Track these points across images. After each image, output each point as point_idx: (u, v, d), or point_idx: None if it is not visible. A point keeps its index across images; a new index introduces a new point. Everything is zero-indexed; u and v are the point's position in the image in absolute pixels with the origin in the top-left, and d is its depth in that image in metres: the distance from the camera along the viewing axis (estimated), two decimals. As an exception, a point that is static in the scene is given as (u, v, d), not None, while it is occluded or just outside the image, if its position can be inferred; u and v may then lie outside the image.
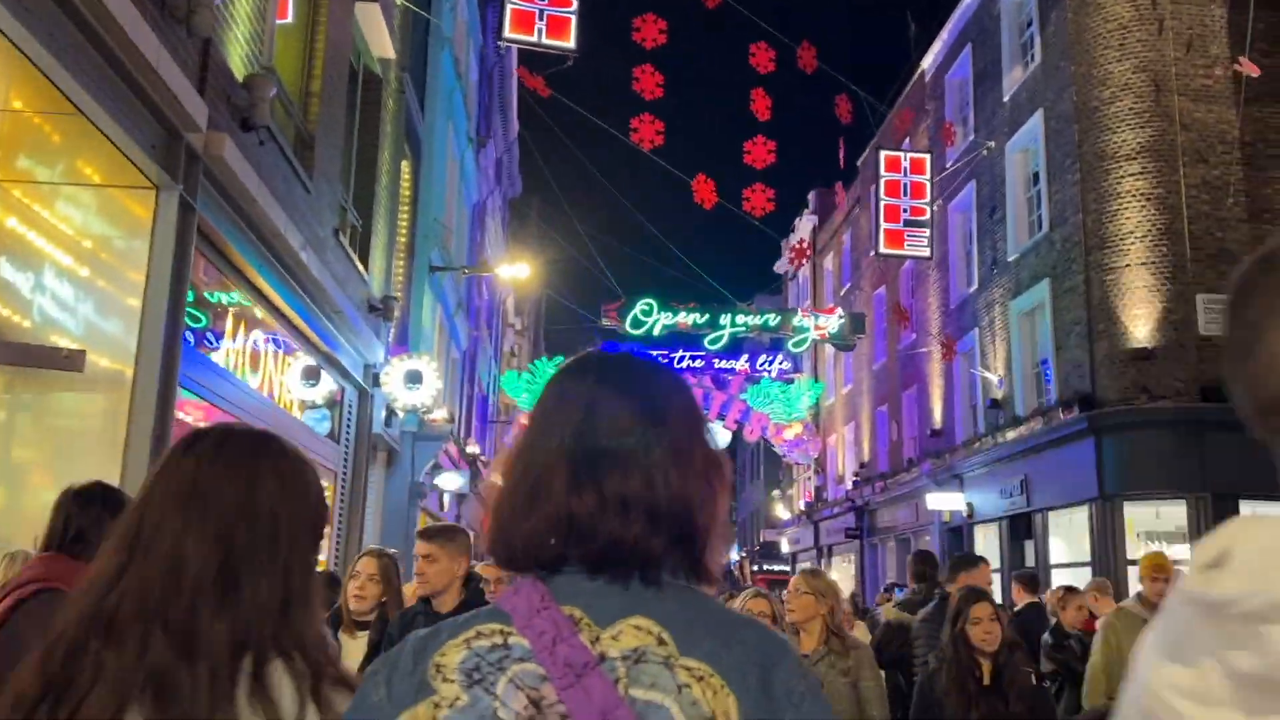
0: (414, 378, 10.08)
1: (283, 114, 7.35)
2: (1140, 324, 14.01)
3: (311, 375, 9.14)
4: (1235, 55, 13.97)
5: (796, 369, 23.91)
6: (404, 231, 12.35)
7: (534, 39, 11.62)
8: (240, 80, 6.01)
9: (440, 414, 13.59)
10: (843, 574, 28.39)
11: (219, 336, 6.67)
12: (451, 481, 13.67)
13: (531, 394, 25.52)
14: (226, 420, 7.30)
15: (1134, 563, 14.18)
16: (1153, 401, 13.70)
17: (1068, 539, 15.63)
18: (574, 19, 11.69)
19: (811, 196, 32.01)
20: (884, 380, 24.35)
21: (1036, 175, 16.70)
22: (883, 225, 16.03)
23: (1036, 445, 15.61)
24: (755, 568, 44.80)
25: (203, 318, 6.42)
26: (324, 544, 9.01)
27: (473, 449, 18.34)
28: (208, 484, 1.39)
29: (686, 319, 18.81)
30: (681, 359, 23.52)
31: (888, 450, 24.13)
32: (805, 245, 13.65)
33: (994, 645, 3.83)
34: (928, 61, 21.54)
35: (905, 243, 16.11)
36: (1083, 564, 14.95)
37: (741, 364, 23.44)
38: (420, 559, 3.92)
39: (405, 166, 12.15)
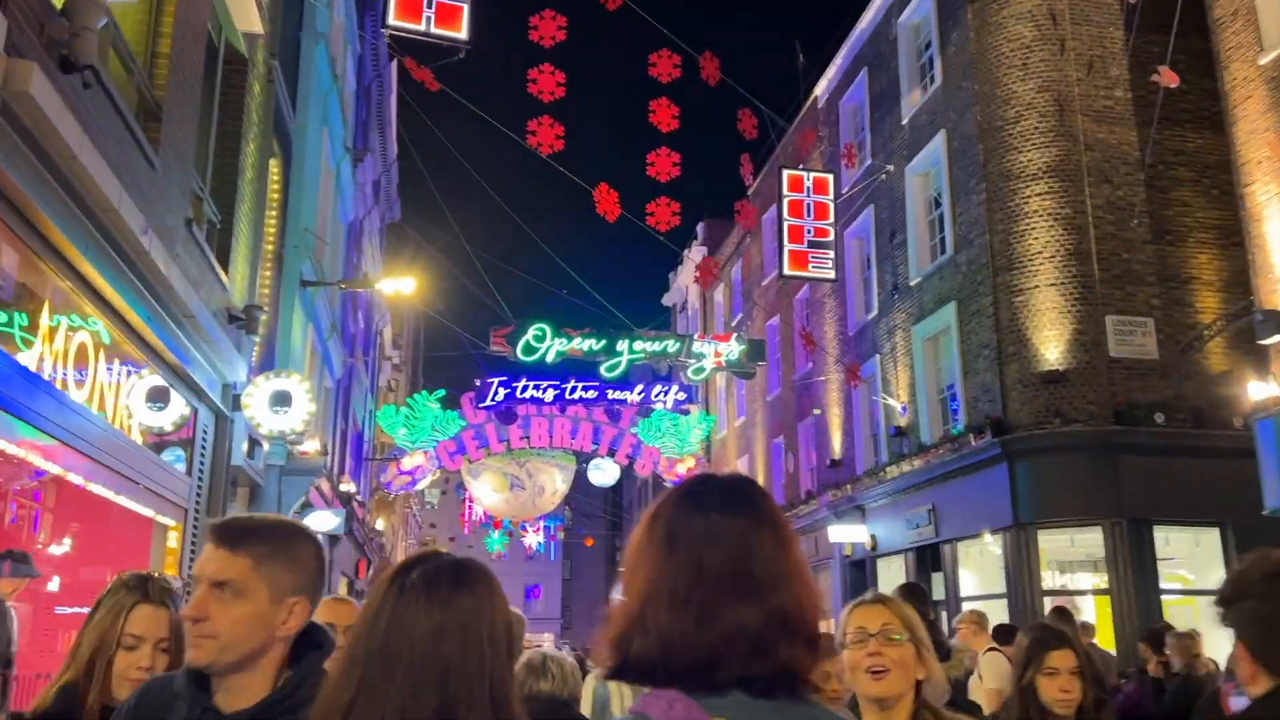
0: (282, 399, 8.72)
1: (120, 70, 6.06)
2: (1051, 346, 13.69)
3: (159, 397, 7.72)
4: (1136, 76, 13.94)
5: (690, 400, 23.14)
6: (271, 238, 10.98)
7: (422, 28, 10.53)
8: (58, 5, 4.75)
9: (312, 446, 12.16)
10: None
11: (30, 335, 5.30)
12: (324, 521, 12.20)
13: (411, 430, 24.01)
14: (76, 458, 5.92)
15: (1050, 593, 13.80)
16: (1065, 425, 13.35)
17: (979, 569, 15.14)
18: (466, 8, 10.66)
19: (700, 227, 31.56)
20: (779, 411, 23.79)
21: (938, 198, 16.41)
22: (787, 246, 15.43)
23: (945, 473, 15.13)
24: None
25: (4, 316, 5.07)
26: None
27: (347, 486, 16.80)
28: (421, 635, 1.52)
29: (582, 345, 17.78)
30: (574, 389, 22.42)
31: (784, 483, 23.52)
32: (714, 262, 12.90)
33: (1070, 708, 2.91)
34: (821, 88, 21.29)
35: (810, 264, 15.55)
36: (996, 595, 14.45)
37: (636, 395, 22.51)
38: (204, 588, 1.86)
39: (274, 166, 10.82)
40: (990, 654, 6.09)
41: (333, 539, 15.94)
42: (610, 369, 18.03)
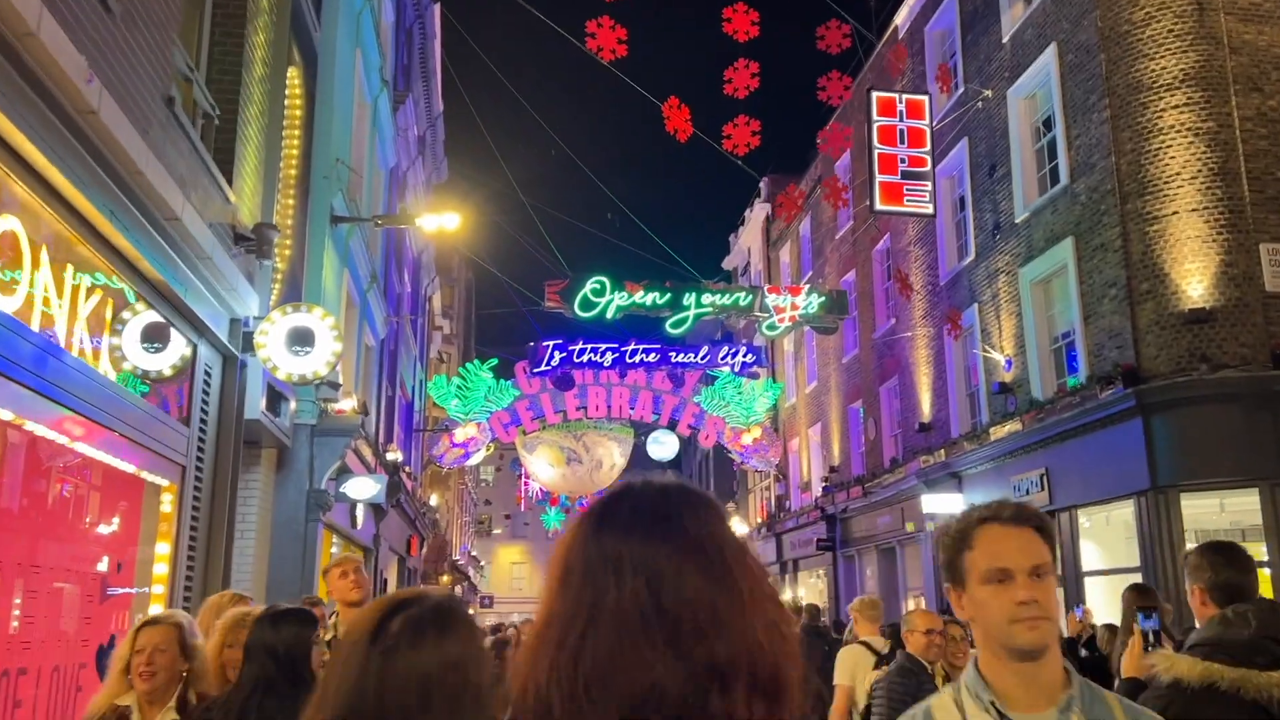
0: (302, 338, 7.23)
1: None
2: (1194, 281, 11.78)
3: (152, 332, 6.28)
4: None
5: (759, 362, 21.43)
6: (294, 161, 9.51)
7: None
8: None
9: (348, 404, 10.73)
10: (811, 591, 25.93)
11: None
12: (364, 489, 10.78)
13: (463, 400, 22.68)
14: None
15: (1195, 566, 11.96)
16: (1214, 371, 11.46)
17: (1105, 540, 13.33)
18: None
19: (764, 184, 29.69)
20: (856, 374, 22.00)
21: (1048, 122, 14.49)
22: (878, 178, 13.64)
23: (1062, 432, 13.28)
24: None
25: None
26: (169, 572, 6.02)
27: (394, 455, 15.43)
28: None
29: (644, 299, 16.16)
30: (634, 352, 20.85)
31: (863, 451, 21.76)
32: (798, 192, 11.28)
33: None
34: (901, 16, 19.33)
35: (905, 198, 13.74)
36: (1127, 570, 12.63)
37: (700, 357, 20.86)
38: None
39: (294, 76, 9.34)
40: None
41: (376, 510, 14.58)
42: (676, 325, 16.39)
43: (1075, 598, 13.15)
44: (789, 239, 27.28)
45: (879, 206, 13.68)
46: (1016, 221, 14.83)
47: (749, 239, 31.43)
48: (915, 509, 18.14)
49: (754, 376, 22.63)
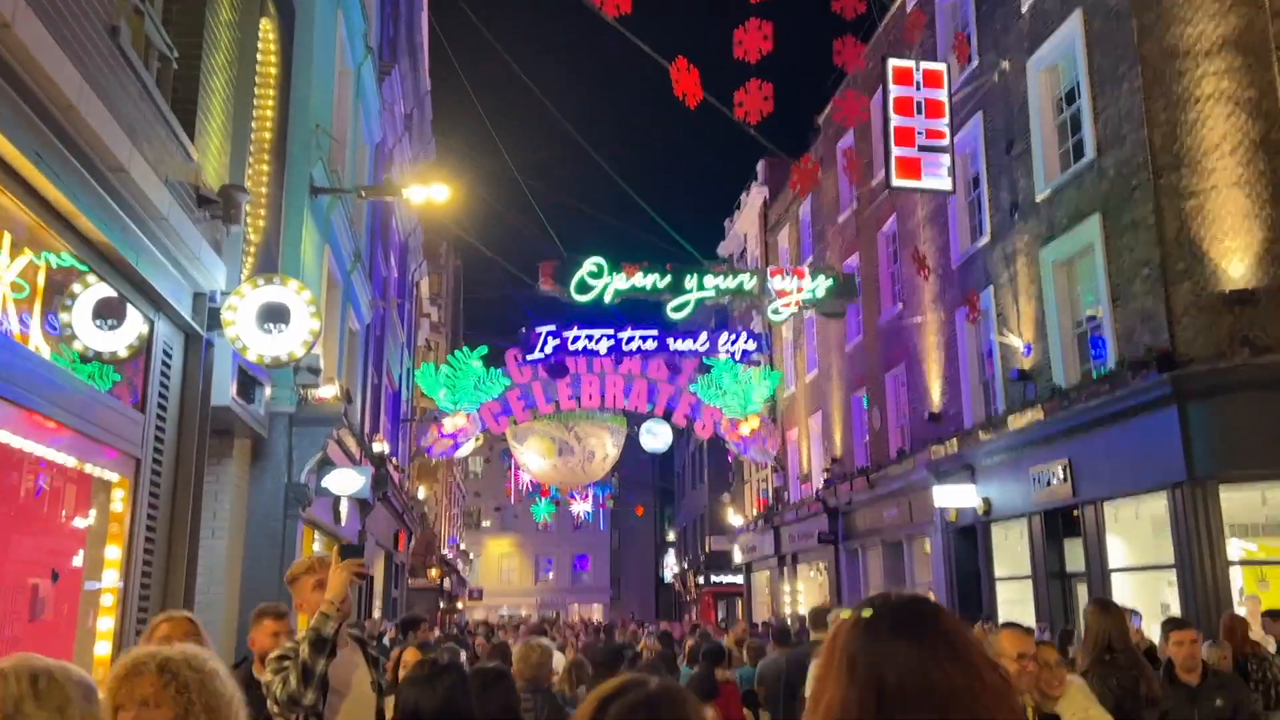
0: (275, 314, 6.40)
1: None
2: (1234, 259, 11.06)
3: (105, 310, 5.47)
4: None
5: (761, 349, 20.67)
6: (269, 124, 8.66)
7: None
8: None
9: (329, 390, 9.91)
10: (811, 586, 25.25)
11: None
12: (347, 482, 9.95)
13: (452, 390, 21.86)
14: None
15: (1235, 564, 11.27)
16: (1257, 355, 10.74)
17: (1133, 536, 12.62)
18: None
19: (761, 166, 28.92)
20: (860, 362, 21.26)
21: (1072, 93, 13.73)
22: (894, 151, 12.84)
23: (1088, 421, 12.56)
24: (701, 580, 41.47)
25: None
26: (120, 580, 5.20)
27: (380, 447, 14.61)
28: None
29: (644, 282, 15.36)
30: (630, 339, 20.06)
31: (866, 442, 21.04)
32: (813, 164, 10.51)
33: None
34: (910, -12, 18.52)
35: (923, 172, 12.96)
36: (1160, 566, 11.96)
37: (700, 344, 20.09)
38: None
39: (267, 28, 8.49)
40: None
41: (362, 505, 13.77)
42: (677, 309, 15.61)
43: (1099, 593, 12.44)
44: (787, 223, 26.51)
45: (895, 182, 12.90)
46: (1037, 200, 14.08)
47: (745, 224, 30.64)
48: (925, 502, 17.43)
49: (755, 364, 21.89)
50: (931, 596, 18.35)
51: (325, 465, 9.96)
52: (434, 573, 34.76)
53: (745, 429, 22.22)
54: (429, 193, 10.05)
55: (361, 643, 4.01)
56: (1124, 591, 12.32)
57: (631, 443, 30.41)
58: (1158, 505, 11.86)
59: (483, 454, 51.64)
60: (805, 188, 11.23)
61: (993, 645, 4.19)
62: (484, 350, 25.13)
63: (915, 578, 18.49)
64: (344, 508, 11.68)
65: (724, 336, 20.30)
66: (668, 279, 15.37)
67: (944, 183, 13.13)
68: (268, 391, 8.67)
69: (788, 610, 25.27)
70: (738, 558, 31.04)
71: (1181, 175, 11.46)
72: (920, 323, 17.98)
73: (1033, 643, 4.07)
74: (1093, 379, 12.64)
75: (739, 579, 32.44)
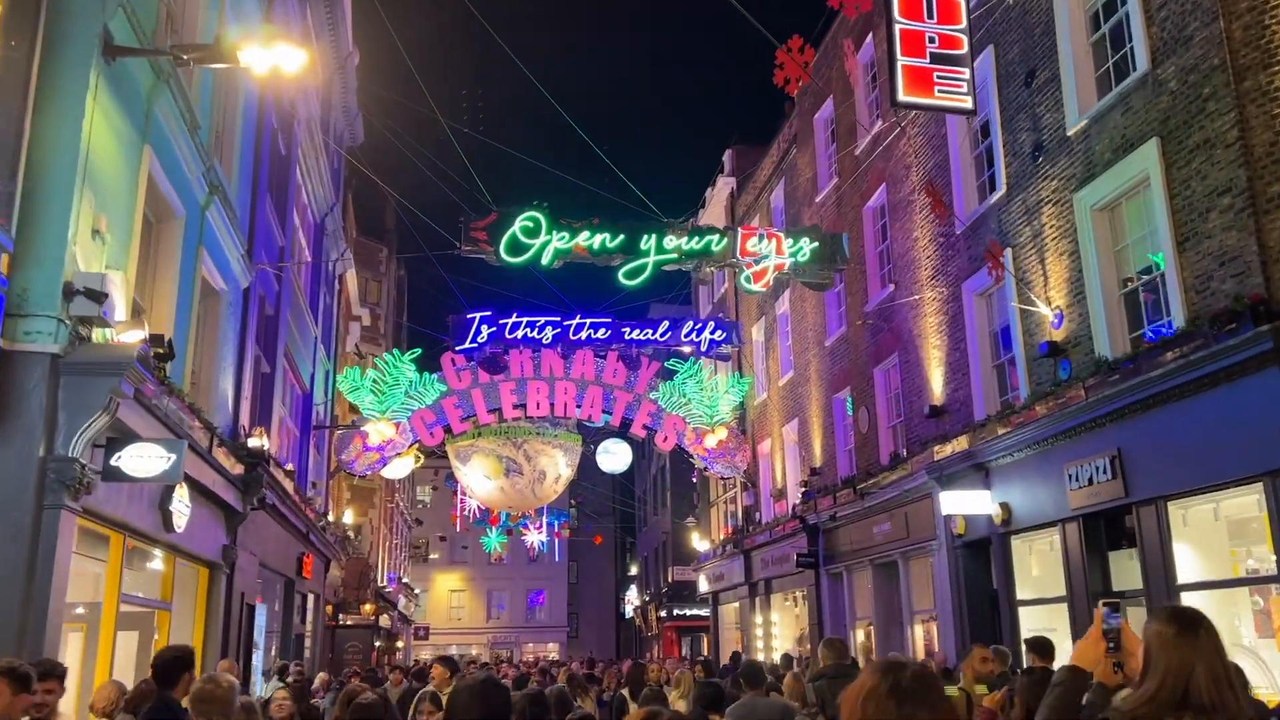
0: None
1: None
2: (1350, 176, 8.51)
3: None
4: None
5: (729, 340, 17.93)
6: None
7: None
8: None
9: (135, 335, 6.98)
10: (787, 617, 22.40)
11: None
12: (146, 462, 6.90)
13: (380, 397, 18.97)
14: None
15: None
16: (1387, 299, 8.17)
17: (1209, 542, 9.95)
18: None
19: (727, 157, 26.41)
20: (843, 357, 18.59)
21: (1109, 6, 11.25)
22: (899, 60, 10.22)
23: (1145, 398, 9.93)
24: (663, 613, 38.38)
25: None
26: None
27: (258, 441, 11.62)
28: None
29: (591, 241, 12.57)
30: (579, 327, 17.27)
31: (851, 448, 18.33)
32: (805, 52, 8.05)
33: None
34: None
35: (935, 86, 10.36)
36: (1257, 579, 9.29)
37: (660, 333, 17.34)
38: None
39: None
40: None
41: (227, 512, 10.76)
42: (630, 274, 12.80)
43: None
44: (757, 213, 23.93)
45: (901, 97, 10.30)
46: (1069, 134, 11.53)
47: (711, 218, 28.02)
48: (925, 513, 14.72)
49: (724, 358, 19.18)
50: (934, 629, 15.62)
51: (122, 439, 7.00)
52: (368, 608, 31.44)
53: (711, 440, 19.56)
54: (275, 58, 7.25)
55: None
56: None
57: (590, 464, 27.57)
58: (1247, 501, 9.22)
59: (427, 480, 48.32)
60: (796, 79, 8.59)
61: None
62: (417, 353, 22.18)
63: (914, 605, 15.71)
64: (182, 507, 8.69)
65: (688, 326, 17.57)
66: (620, 238, 12.60)
67: (963, 100, 10.53)
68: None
69: (760, 645, 22.35)
70: (703, 587, 28.09)
71: (1274, 74, 8.94)
72: (917, 303, 15.36)
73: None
74: (1150, 345, 10.01)
75: (705, 611, 29.48)
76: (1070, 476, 11.26)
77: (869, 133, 17.17)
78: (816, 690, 6.44)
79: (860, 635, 17.75)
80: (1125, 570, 11.05)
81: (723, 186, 26.08)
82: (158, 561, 9.24)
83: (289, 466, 14.56)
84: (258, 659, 14.54)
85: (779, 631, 22.21)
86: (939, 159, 14.72)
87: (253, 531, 12.46)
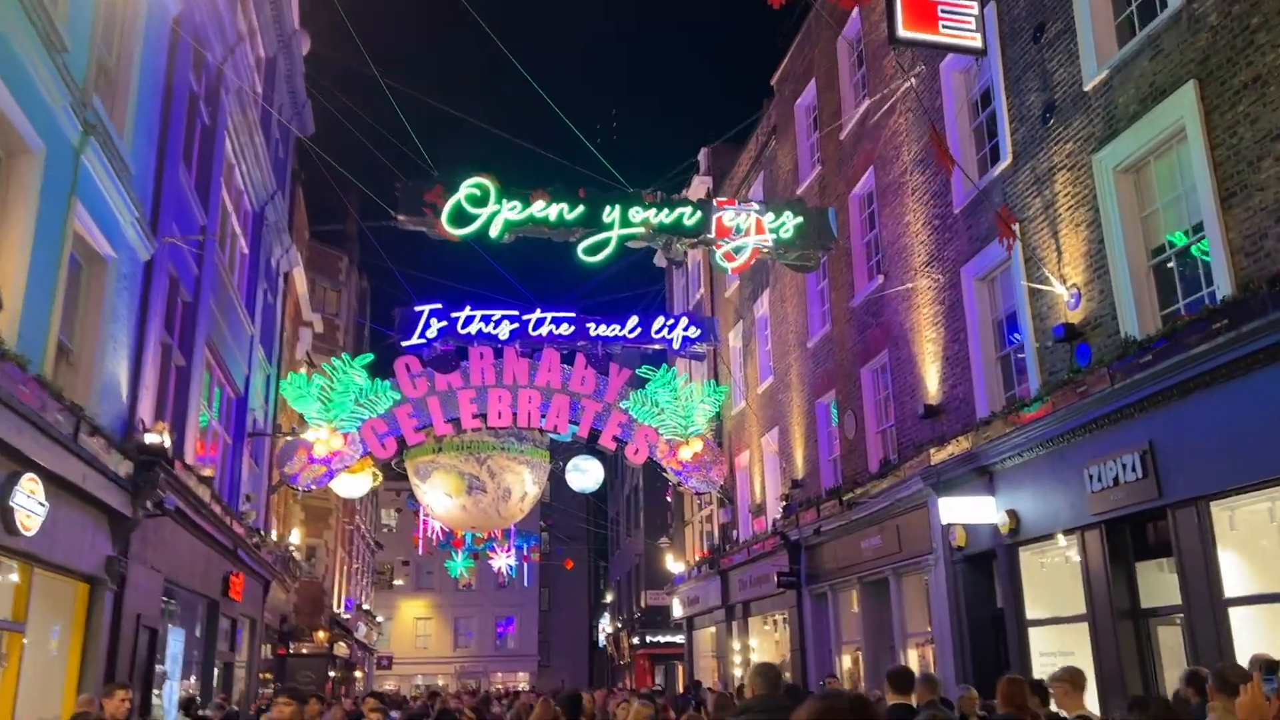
0: None
1: None
2: None
3: None
4: None
5: (705, 338, 16.47)
6: None
7: None
8: None
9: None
10: (767, 641, 20.83)
11: None
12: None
13: (327, 405, 17.38)
14: None
15: None
16: None
17: (1258, 551, 8.51)
18: None
19: (703, 156, 25.11)
20: (827, 358, 17.17)
21: (1131, -59, 9.97)
22: (900, -9, 8.84)
23: (1182, 382, 8.54)
24: (636, 640, 36.60)
25: None
26: None
27: (156, 437, 10.01)
28: None
29: (546, 213, 11.08)
30: (539, 322, 15.76)
31: (836, 457, 16.87)
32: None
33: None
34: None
35: (940, 21, 9.00)
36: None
37: (629, 329, 15.85)
38: None
39: None
40: None
41: (112, 516, 9.13)
42: (591, 250, 11.31)
43: (1209, 640, 8.30)
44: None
45: (901, 33, 8.90)
46: (1086, 89, 10.19)
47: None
48: (920, 525, 13.27)
49: (699, 357, 17.71)
50: (930, 654, 14.11)
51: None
52: (322, 635, 29.56)
53: (686, 453, 18.01)
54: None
55: None
56: (1249, 635, 8.20)
57: (562, 485, 25.96)
58: (1312, 499, 7.82)
59: (390, 502, 46.45)
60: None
61: None
62: (368, 358, 20.58)
63: (907, 627, 14.19)
64: (27, 503, 7.07)
65: (659, 321, 16.12)
66: (579, 210, 11.12)
67: (972, 38, 9.17)
68: None
69: (738, 673, 20.74)
70: (677, 612, 26.45)
71: (1336, -4, 7.63)
72: (910, 294, 13.97)
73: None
74: (1190, 319, 8.61)
75: (680, 638, 27.83)
76: (1090, 477, 9.82)
77: (856, 111, 15.84)
78: None
79: (847, 661, 16.22)
80: (1156, 583, 9.61)
81: (699, 185, 24.74)
82: (5, 573, 7.60)
83: (206, 472, 12.91)
84: (170, 690, 12.84)
85: (758, 656, 20.61)
86: (941, 123, 13.37)
87: (156, 544, 10.81)
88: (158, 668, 11.96)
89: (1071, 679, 5.94)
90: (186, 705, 10.86)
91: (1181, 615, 8.97)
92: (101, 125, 8.52)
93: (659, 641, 31.80)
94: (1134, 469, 9.22)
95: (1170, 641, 9.55)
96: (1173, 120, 9.00)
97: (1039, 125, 11.05)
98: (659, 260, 30.04)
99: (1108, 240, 9.87)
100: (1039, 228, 11.01)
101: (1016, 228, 11.07)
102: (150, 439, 9.96)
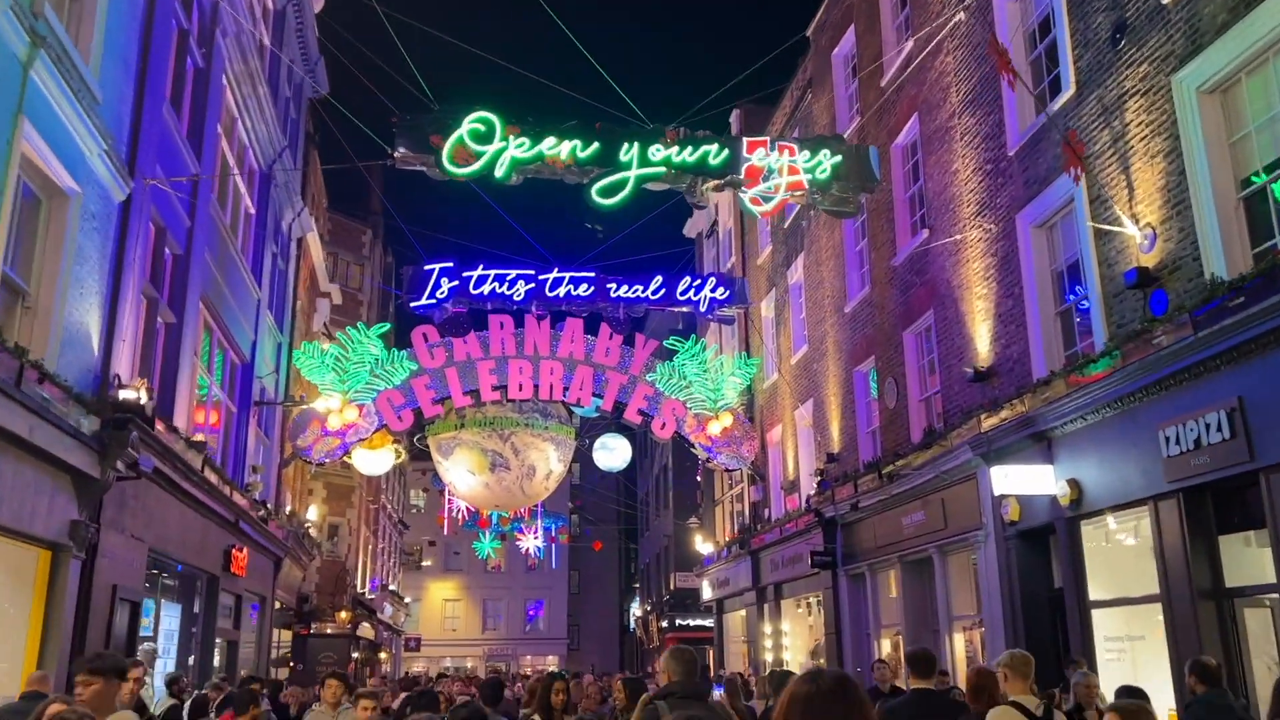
0: None
1: None
2: None
3: None
4: None
5: (733, 299, 15.43)
6: None
7: None
8: None
9: None
10: (800, 625, 19.81)
11: None
12: None
13: (341, 375, 16.60)
14: None
15: None
16: None
17: (1380, 517, 7.37)
18: None
19: (734, 118, 23.97)
20: (865, 323, 16.06)
21: None
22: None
23: (1276, 328, 7.40)
24: (664, 624, 35.73)
25: None
26: None
27: (132, 393, 9.18)
28: None
29: (558, 151, 10.09)
30: (556, 282, 14.78)
31: (875, 429, 15.79)
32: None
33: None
34: None
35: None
36: None
37: (653, 290, 14.85)
38: None
39: None
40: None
41: (79, 479, 8.30)
42: (606, 191, 10.28)
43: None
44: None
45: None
46: (1165, 1, 9.01)
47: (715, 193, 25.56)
48: (968, 498, 12.19)
49: (728, 321, 16.67)
50: (978, 638, 13.03)
51: None
52: (344, 615, 28.93)
53: (715, 428, 17.03)
54: None
55: None
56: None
57: (590, 465, 25.07)
58: None
59: (418, 482, 45.86)
60: None
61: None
62: (384, 327, 19.85)
63: (953, 609, 13.11)
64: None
65: (684, 282, 15.09)
66: (594, 147, 10.10)
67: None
68: None
69: (769, 659, 19.75)
70: (707, 594, 25.49)
71: None
72: (958, 247, 12.84)
73: None
74: (1289, 256, 7.46)
75: (710, 621, 26.89)
76: (1167, 440, 8.69)
77: (900, 54, 14.67)
78: (656, 711, 4.32)
79: (886, 646, 15.16)
80: (1244, 559, 8.49)
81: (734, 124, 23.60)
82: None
83: (198, 437, 12.10)
84: (163, 667, 12.09)
85: (790, 642, 19.62)
86: (985, 71, 12.22)
87: (136, 511, 10.01)
88: (147, 644, 11.21)
89: (1011, 664, 5.72)
90: (171, 684, 10.05)
91: (1273, 595, 7.87)
92: (56, 39, 7.63)
93: (688, 625, 30.88)
94: (1220, 429, 8.08)
95: (1258, 625, 8.44)
96: (1271, 27, 7.81)
97: (1107, 49, 9.87)
98: (688, 230, 29.03)
99: (1189, 171, 8.70)
100: (1107, 163, 9.85)
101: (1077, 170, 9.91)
102: (125, 395, 9.11)
